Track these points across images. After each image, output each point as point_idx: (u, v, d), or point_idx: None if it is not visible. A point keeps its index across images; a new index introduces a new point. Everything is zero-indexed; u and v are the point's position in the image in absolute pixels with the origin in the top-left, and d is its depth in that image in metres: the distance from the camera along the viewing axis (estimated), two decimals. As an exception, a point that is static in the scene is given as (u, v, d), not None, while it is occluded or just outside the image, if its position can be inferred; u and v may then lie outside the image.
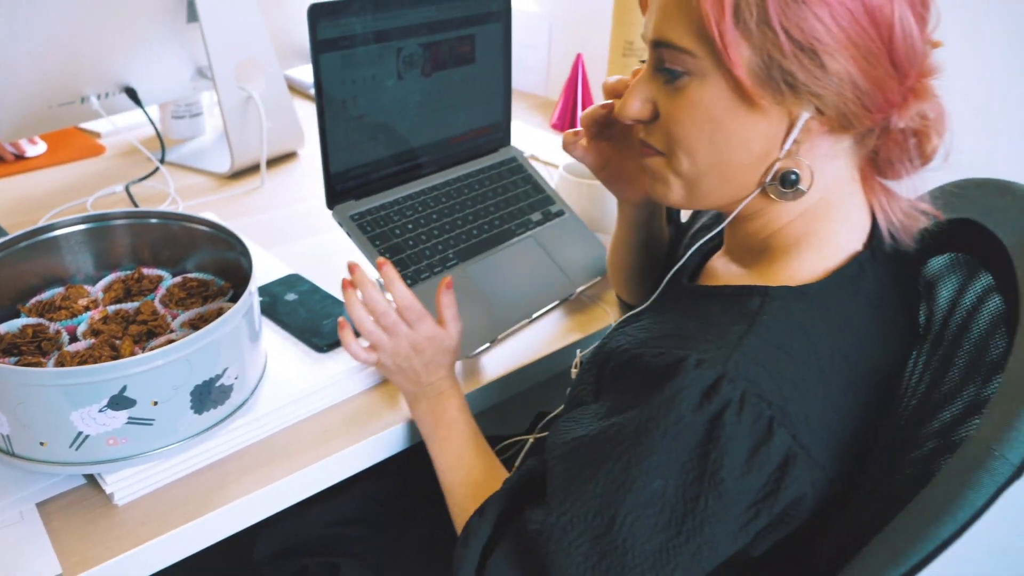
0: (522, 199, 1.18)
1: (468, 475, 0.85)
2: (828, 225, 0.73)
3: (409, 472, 1.02)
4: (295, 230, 1.28)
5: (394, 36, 1.02)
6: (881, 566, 0.64)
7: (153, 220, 0.94)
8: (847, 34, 0.64)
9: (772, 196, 0.72)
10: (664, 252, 1.02)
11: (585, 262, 1.15)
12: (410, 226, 1.06)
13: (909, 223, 0.77)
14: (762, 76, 0.65)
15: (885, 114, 0.68)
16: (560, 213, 1.20)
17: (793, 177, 0.70)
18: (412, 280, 1.01)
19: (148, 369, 0.73)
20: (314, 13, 0.93)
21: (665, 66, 0.69)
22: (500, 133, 1.22)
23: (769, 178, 0.71)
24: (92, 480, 0.80)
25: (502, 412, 1.07)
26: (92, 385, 0.71)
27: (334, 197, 1.03)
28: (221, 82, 1.39)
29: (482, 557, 0.75)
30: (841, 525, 0.73)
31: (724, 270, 0.80)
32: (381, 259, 0.88)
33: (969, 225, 0.79)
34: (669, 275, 0.82)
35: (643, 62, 0.76)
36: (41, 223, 0.92)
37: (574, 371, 0.88)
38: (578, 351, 0.92)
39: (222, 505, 0.79)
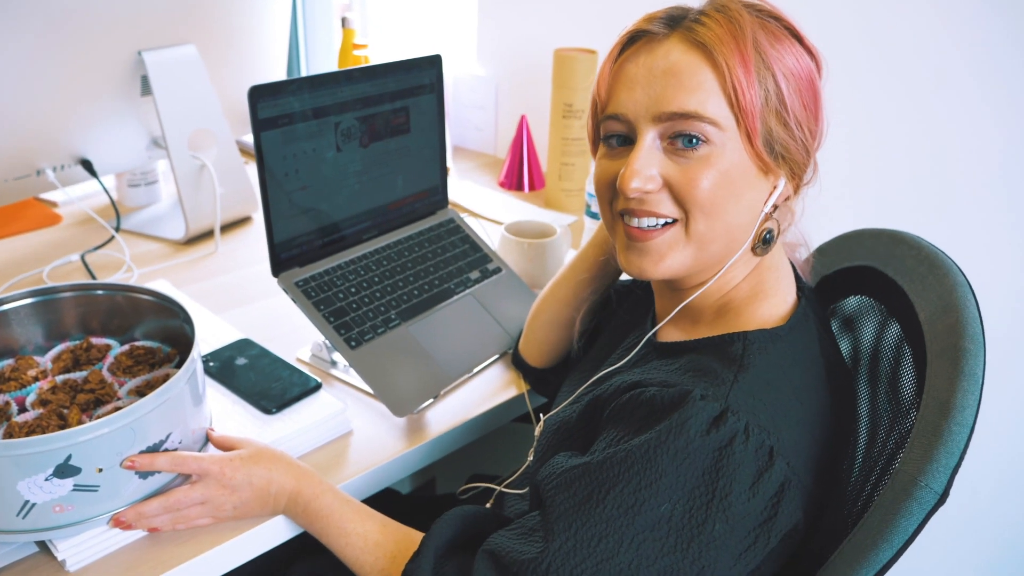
0: (460, 258, 1.24)
1: (364, 544, 0.84)
2: (772, 276, 0.80)
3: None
4: (247, 294, 1.32)
5: (331, 111, 1.08)
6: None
7: (99, 292, 0.98)
8: (804, 102, 0.75)
9: (757, 254, 0.78)
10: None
11: (522, 316, 1.20)
12: (353, 290, 1.11)
13: (805, 267, 0.87)
14: (767, 145, 0.74)
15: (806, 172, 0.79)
16: (498, 270, 1.25)
17: (768, 236, 0.78)
18: (356, 342, 1.06)
19: (92, 438, 0.76)
20: (254, 94, 0.99)
21: (686, 136, 0.73)
22: (437, 196, 1.28)
23: (755, 237, 0.77)
24: (45, 547, 0.82)
25: (455, 471, 1.11)
26: (38, 455, 0.74)
27: (279, 265, 1.08)
28: (175, 151, 1.44)
29: None
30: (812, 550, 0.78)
31: (679, 329, 0.84)
32: (128, 462, 0.80)
33: (869, 272, 0.88)
34: (648, 336, 0.85)
35: (610, 138, 0.78)
36: (-6, 297, 0.96)
37: (537, 430, 0.91)
38: (541, 414, 0.93)
39: (174, 567, 0.82)
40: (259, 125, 1.01)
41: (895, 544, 0.67)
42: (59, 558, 0.80)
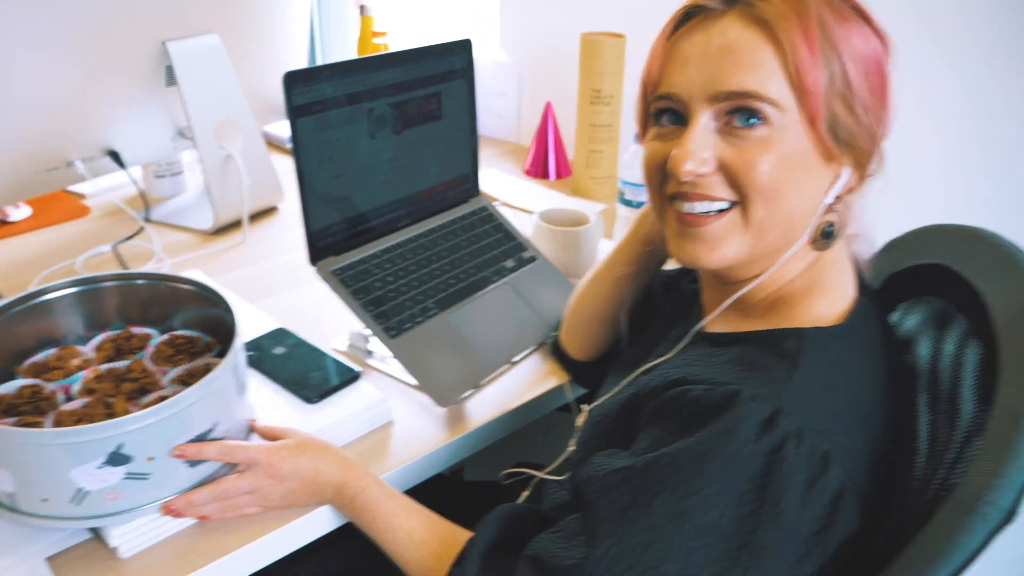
0: (495, 247, 1.23)
1: (410, 540, 0.83)
2: (831, 271, 0.77)
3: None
4: (278, 283, 1.32)
5: (365, 98, 1.07)
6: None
7: (140, 281, 0.98)
8: (872, 87, 0.71)
9: (816, 248, 0.75)
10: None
11: (560, 305, 1.19)
12: (390, 278, 1.10)
13: (868, 264, 0.83)
14: (831, 131, 0.70)
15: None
16: (532, 259, 1.25)
17: (830, 228, 0.74)
18: (396, 331, 1.05)
19: (142, 427, 0.76)
20: (289, 80, 0.98)
21: (744, 112, 0.69)
22: (469, 184, 1.27)
23: (815, 229, 0.74)
24: (97, 534, 0.83)
25: (484, 458, 1.10)
26: (90, 443, 0.75)
27: (316, 253, 1.07)
28: (201, 142, 1.44)
29: None
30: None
31: (726, 321, 0.81)
32: (177, 450, 0.80)
33: (942, 270, 0.82)
34: (696, 328, 0.82)
35: (661, 115, 0.76)
36: (32, 287, 0.96)
37: (579, 421, 0.89)
38: (583, 406, 0.91)
39: (224, 554, 0.82)
40: (294, 112, 1.00)
41: (954, 562, 0.62)
42: (112, 544, 0.81)
